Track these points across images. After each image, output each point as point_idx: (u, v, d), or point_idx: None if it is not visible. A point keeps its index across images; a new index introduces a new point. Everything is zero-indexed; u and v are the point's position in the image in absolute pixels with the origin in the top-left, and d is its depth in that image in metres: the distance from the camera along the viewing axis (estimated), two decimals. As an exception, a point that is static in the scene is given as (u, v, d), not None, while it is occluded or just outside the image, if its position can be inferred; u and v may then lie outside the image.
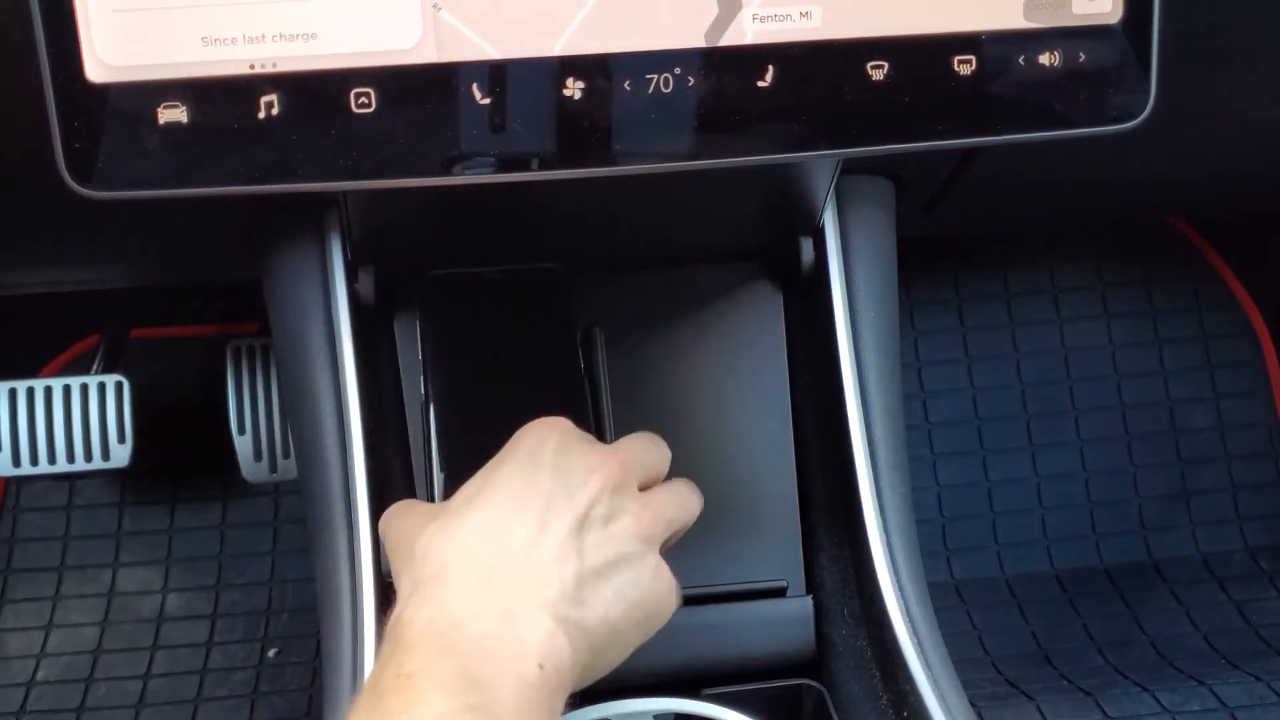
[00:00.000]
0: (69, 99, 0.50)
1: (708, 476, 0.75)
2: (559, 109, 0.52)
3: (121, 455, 1.00)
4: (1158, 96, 0.56)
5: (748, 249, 0.78)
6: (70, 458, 1.00)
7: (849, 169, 0.71)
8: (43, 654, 1.07)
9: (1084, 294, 1.20)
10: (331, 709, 0.65)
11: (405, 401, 0.75)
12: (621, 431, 0.73)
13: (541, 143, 0.53)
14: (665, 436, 0.71)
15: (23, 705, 1.04)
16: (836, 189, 0.71)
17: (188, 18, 0.50)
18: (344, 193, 0.64)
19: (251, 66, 0.51)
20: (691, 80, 0.53)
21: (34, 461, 1.00)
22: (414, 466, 0.74)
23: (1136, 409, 1.18)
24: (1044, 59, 0.55)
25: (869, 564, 0.69)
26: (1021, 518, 1.14)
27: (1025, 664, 1.03)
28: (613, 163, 0.53)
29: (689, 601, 0.72)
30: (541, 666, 0.51)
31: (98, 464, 1.00)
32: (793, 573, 0.75)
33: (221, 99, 0.50)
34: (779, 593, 0.74)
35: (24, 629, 1.08)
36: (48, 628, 1.09)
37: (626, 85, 0.52)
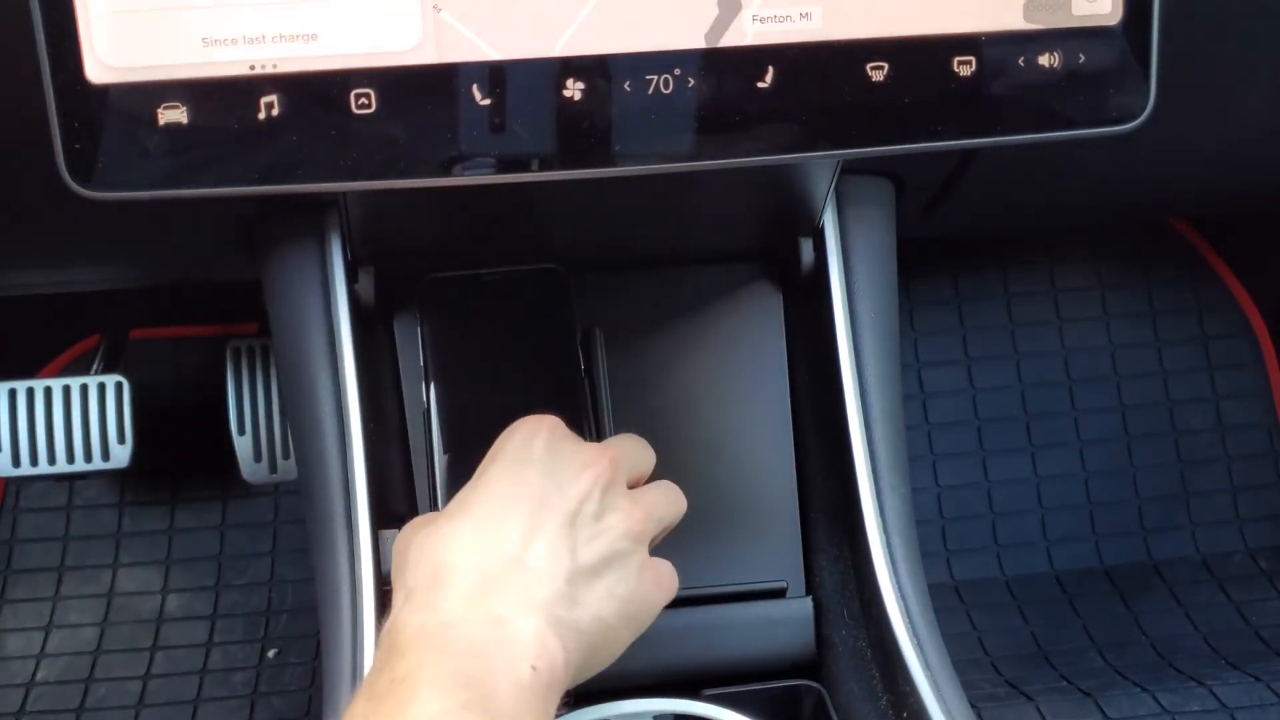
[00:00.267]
0: (69, 100, 0.50)
1: (708, 477, 0.75)
2: (559, 110, 0.52)
3: (121, 456, 1.00)
4: (1157, 97, 0.56)
5: (748, 250, 0.78)
6: (70, 458, 1.00)
7: (849, 169, 0.71)
8: (42, 654, 1.07)
9: (1084, 295, 1.20)
10: (331, 710, 0.65)
11: (405, 402, 0.75)
12: (622, 431, 0.73)
13: (541, 144, 0.53)
14: (665, 437, 0.71)
15: (22, 706, 1.04)
16: (836, 190, 0.71)
17: (188, 19, 0.50)
18: (344, 193, 0.64)
19: (252, 67, 0.51)
20: (691, 81, 0.53)
21: (34, 462, 1.00)
22: (414, 467, 0.74)
23: (1136, 410, 1.18)
24: (1044, 60, 0.55)
25: (869, 565, 0.69)
26: (1021, 518, 1.14)
27: (1025, 665, 1.03)
28: (613, 163, 0.53)
29: (689, 602, 0.72)
30: (534, 669, 0.51)
31: (97, 464, 1.00)
32: (793, 573, 0.75)
33: (222, 100, 0.50)
34: (779, 593, 0.74)
35: (24, 629, 1.08)
36: (47, 628, 1.09)
37: (626, 86, 0.52)
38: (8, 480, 1.12)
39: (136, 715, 1.03)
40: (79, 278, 0.90)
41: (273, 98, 0.51)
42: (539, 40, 0.52)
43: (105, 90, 0.50)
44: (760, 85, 0.53)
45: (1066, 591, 1.10)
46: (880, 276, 0.74)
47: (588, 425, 0.71)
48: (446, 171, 0.53)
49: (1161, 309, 1.20)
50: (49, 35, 0.49)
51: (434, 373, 0.70)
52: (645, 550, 0.59)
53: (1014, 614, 1.08)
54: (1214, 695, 0.94)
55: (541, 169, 0.53)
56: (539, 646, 0.52)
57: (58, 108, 0.50)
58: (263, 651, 1.08)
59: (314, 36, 0.51)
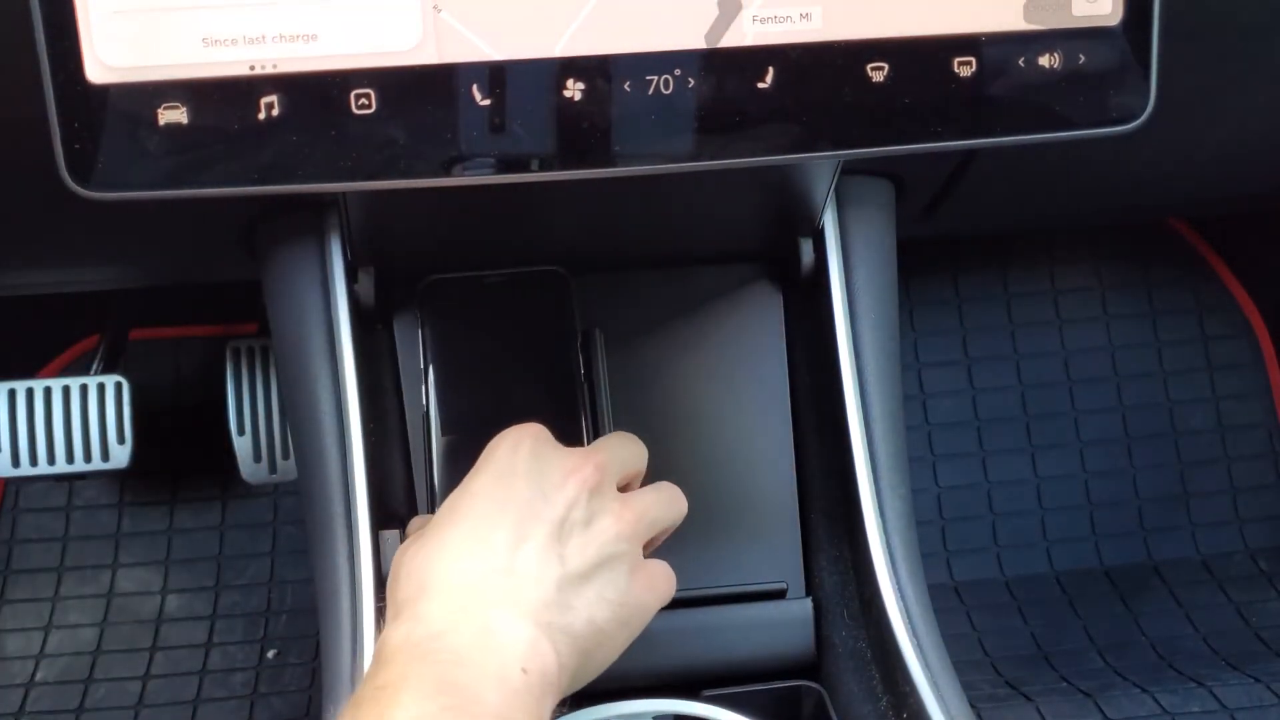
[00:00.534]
0: (69, 100, 0.50)
1: (708, 478, 0.75)
2: (559, 110, 0.52)
3: (121, 456, 1.00)
4: (1157, 98, 0.56)
5: (748, 250, 0.78)
6: (70, 458, 1.00)
7: (849, 170, 0.71)
8: (42, 655, 1.07)
9: (1084, 295, 1.20)
10: (330, 711, 0.65)
11: (405, 403, 0.75)
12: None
13: (541, 144, 0.53)
14: (665, 437, 0.71)
15: (22, 706, 1.04)
16: (836, 190, 0.71)
17: (188, 19, 0.50)
18: (344, 194, 0.64)
19: (252, 67, 0.51)
20: (692, 81, 0.53)
21: (34, 462, 1.00)
22: (414, 468, 0.74)
23: (1136, 410, 1.18)
24: (1044, 60, 0.55)
25: (869, 565, 0.69)
26: (1021, 519, 1.14)
27: (1025, 665, 1.03)
28: (613, 164, 0.53)
29: (689, 604, 0.72)
30: (525, 671, 0.51)
31: (97, 465, 1.00)
32: (792, 574, 0.75)
33: (222, 100, 0.50)
34: (779, 594, 0.74)
35: (23, 630, 1.08)
36: (47, 629, 1.08)
37: (627, 86, 0.52)
38: (7, 480, 1.12)
39: (136, 715, 1.03)
40: (79, 278, 0.90)
41: (273, 98, 0.51)
42: (539, 40, 0.52)
43: (105, 90, 0.50)
44: (760, 86, 0.53)
45: (1066, 592, 1.10)
46: (880, 277, 0.74)
47: (587, 427, 0.71)
48: (446, 172, 0.53)
49: (1161, 309, 1.20)
50: (49, 35, 0.49)
51: (434, 374, 0.70)
52: (637, 553, 0.58)
53: (1014, 615, 1.08)
54: (1214, 696, 0.94)
55: (541, 169, 0.53)
56: (530, 650, 0.52)
57: (58, 108, 0.50)
58: (262, 652, 1.08)
59: (314, 37, 0.51)
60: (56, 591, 1.10)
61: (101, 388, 1.01)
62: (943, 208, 0.82)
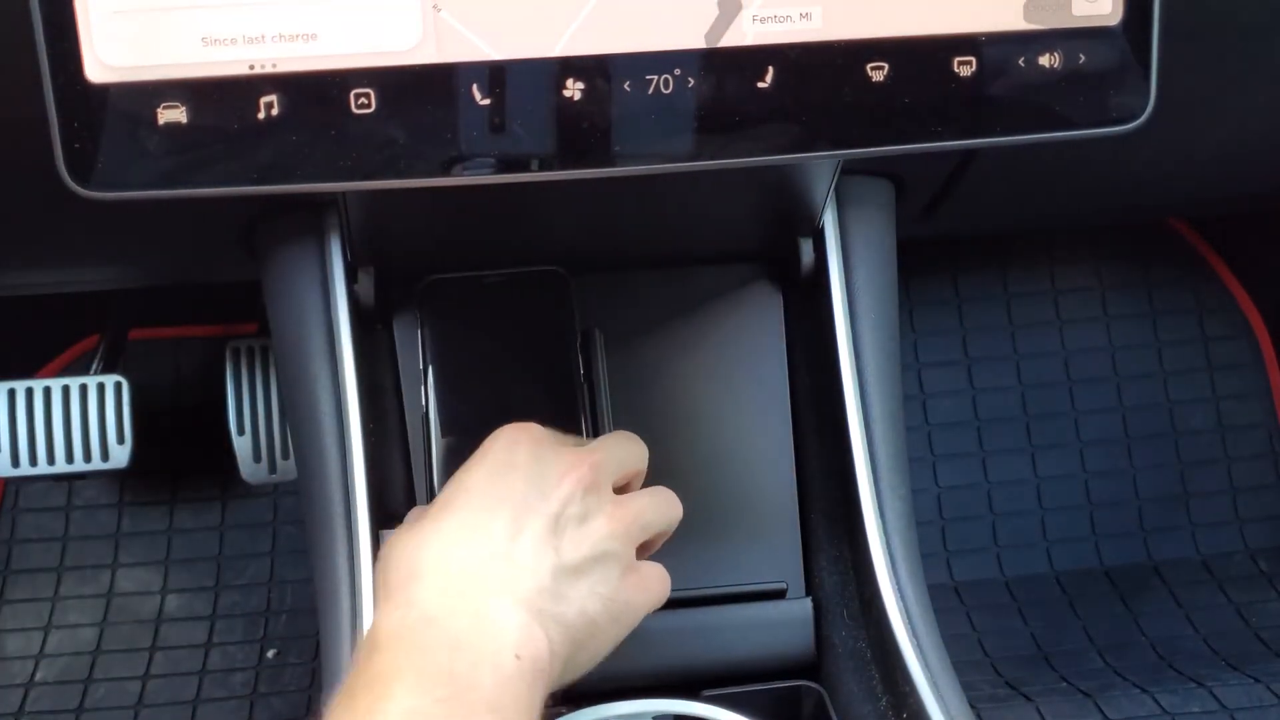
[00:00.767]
0: (69, 100, 0.50)
1: (708, 478, 0.75)
2: (559, 110, 0.52)
3: (121, 456, 1.00)
4: (1157, 97, 0.56)
5: (748, 250, 0.78)
6: (70, 458, 1.00)
7: (849, 170, 0.71)
8: (41, 655, 1.07)
9: (1084, 296, 1.20)
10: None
11: (405, 403, 0.75)
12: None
13: (541, 144, 0.53)
14: (665, 437, 0.71)
15: (21, 706, 1.04)
16: (836, 190, 0.71)
17: (188, 18, 0.50)
18: (344, 193, 0.64)
19: (251, 67, 0.51)
20: (691, 81, 0.53)
21: (33, 462, 1.00)
22: (413, 468, 0.74)
23: (1136, 411, 1.18)
24: (1044, 60, 0.55)
25: (869, 566, 0.69)
26: (1021, 519, 1.14)
27: (1025, 666, 1.03)
28: (612, 164, 0.53)
29: (689, 603, 0.72)
30: (519, 656, 0.51)
31: (97, 465, 1.00)
32: (792, 574, 0.75)
33: (221, 100, 0.50)
34: (779, 594, 0.74)
35: (23, 630, 1.08)
36: (46, 629, 1.08)
37: (626, 86, 0.52)
38: (7, 480, 1.12)
39: (135, 715, 1.03)
40: (79, 278, 0.90)
41: (272, 97, 0.51)
42: (539, 40, 0.52)
43: (105, 90, 0.50)
44: (760, 85, 0.53)
45: (1066, 592, 1.10)
46: (880, 277, 0.74)
47: (587, 427, 0.71)
48: (446, 171, 0.53)
49: (1161, 310, 1.20)
50: (49, 35, 0.49)
51: (434, 374, 0.70)
52: (631, 553, 0.59)
53: (1014, 615, 1.08)
54: (1214, 696, 0.94)
55: (541, 169, 0.53)
56: (523, 635, 0.52)
57: (57, 107, 0.50)
58: (262, 652, 1.08)
59: (314, 36, 0.51)
60: (56, 591, 1.10)
61: (101, 388, 1.01)
62: (943, 208, 0.82)
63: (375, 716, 0.48)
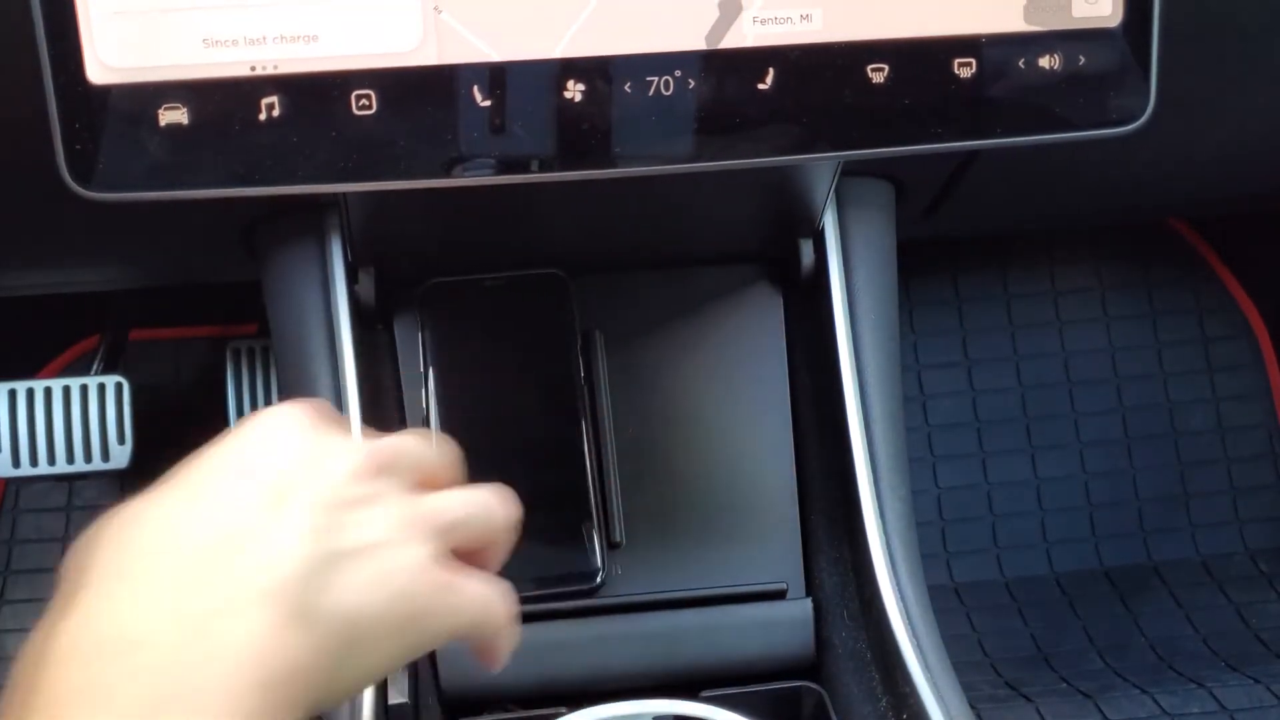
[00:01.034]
0: (70, 100, 0.50)
1: (708, 479, 0.75)
2: (559, 111, 0.52)
3: (121, 456, 1.00)
4: (1157, 99, 0.56)
5: (748, 251, 0.78)
6: (70, 459, 1.00)
7: (849, 171, 0.71)
8: (42, 655, 1.07)
9: (1084, 296, 1.20)
10: (330, 711, 0.65)
11: (405, 404, 0.75)
12: (620, 433, 0.74)
13: (542, 145, 0.53)
14: (665, 438, 0.71)
15: (22, 706, 1.04)
16: (836, 191, 0.71)
17: (189, 19, 0.50)
18: (344, 194, 0.64)
19: (252, 68, 0.51)
20: (692, 83, 0.53)
21: (34, 462, 1.00)
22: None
23: (1136, 411, 1.18)
24: (1044, 62, 0.55)
25: (869, 566, 0.69)
26: (1021, 520, 1.14)
27: (1025, 666, 1.03)
28: (613, 165, 0.53)
29: (689, 604, 0.72)
30: (263, 666, 0.39)
31: (97, 465, 1.00)
32: (792, 575, 0.75)
33: (222, 100, 0.50)
34: (779, 595, 0.74)
35: (23, 630, 1.08)
36: (47, 629, 1.08)
37: (627, 88, 0.52)
38: (7, 481, 1.12)
39: (136, 716, 1.03)
40: (79, 278, 0.90)
41: (273, 98, 0.51)
42: (539, 42, 0.52)
43: (106, 91, 0.50)
44: (761, 87, 0.53)
45: (1066, 593, 1.10)
46: (880, 278, 0.74)
47: (588, 429, 0.71)
48: (447, 173, 0.53)
49: (1162, 310, 1.20)
50: (49, 36, 0.49)
51: (434, 378, 0.70)
52: (429, 553, 0.45)
53: (1014, 616, 1.08)
54: (1214, 697, 0.94)
55: (542, 170, 0.53)
56: (272, 641, 0.39)
57: (58, 108, 0.50)
58: (262, 652, 1.07)
59: (314, 38, 0.51)
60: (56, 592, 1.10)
61: (101, 388, 1.01)
62: (943, 209, 0.82)
63: None
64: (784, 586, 0.74)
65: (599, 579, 0.71)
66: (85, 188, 0.51)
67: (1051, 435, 1.16)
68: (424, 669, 0.69)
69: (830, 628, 0.73)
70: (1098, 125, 0.56)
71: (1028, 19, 0.54)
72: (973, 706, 0.68)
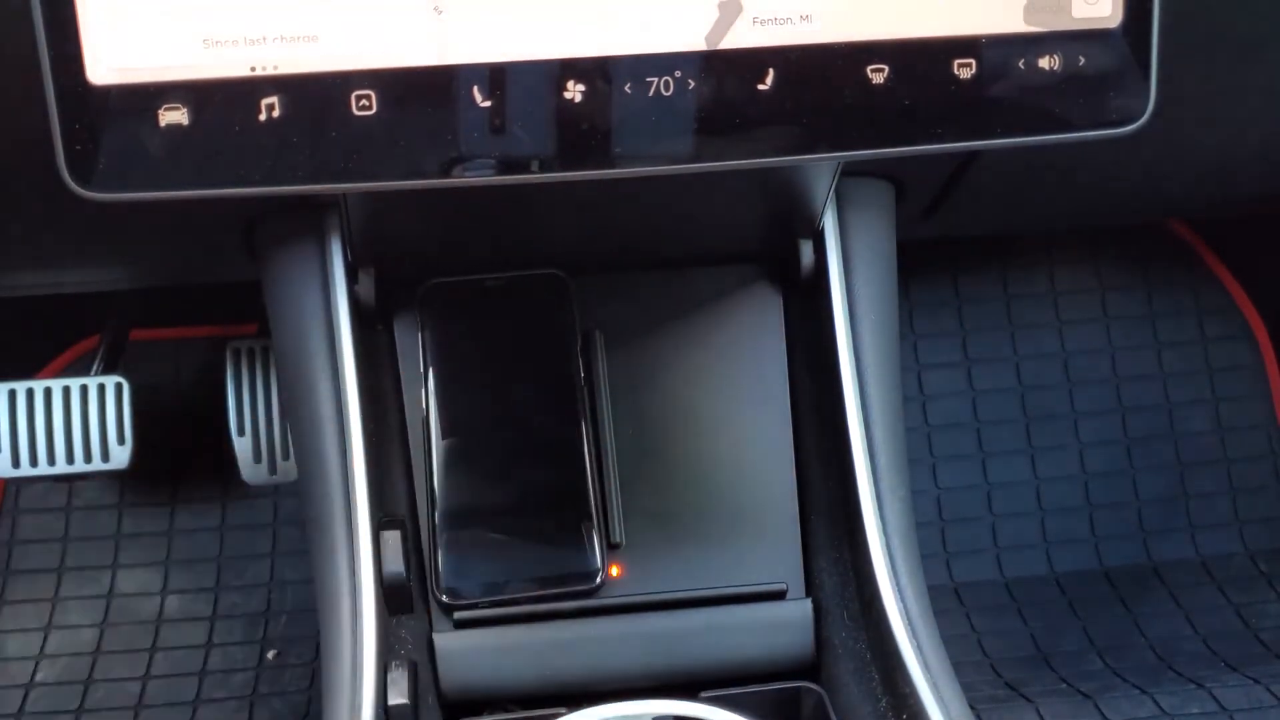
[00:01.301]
0: (70, 101, 0.50)
1: (708, 479, 0.75)
2: (559, 112, 0.52)
3: (121, 457, 1.00)
4: (1157, 100, 0.56)
5: (748, 251, 0.78)
6: (70, 459, 1.00)
7: (849, 172, 0.71)
8: (42, 655, 1.07)
9: (1083, 297, 1.20)
10: (330, 711, 0.65)
11: (405, 404, 0.75)
12: (620, 433, 0.74)
13: (542, 145, 0.53)
14: (665, 439, 0.71)
15: (21, 707, 1.04)
16: (836, 192, 0.71)
17: (189, 20, 0.50)
18: (344, 194, 0.64)
19: (252, 69, 0.51)
20: (692, 83, 0.53)
21: (33, 463, 1.00)
22: (414, 469, 0.74)
23: (1136, 412, 1.18)
24: (1044, 62, 0.55)
25: (868, 567, 0.69)
26: (1021, 520, 1.14)
27: (1024, 667, 1.03)
28: (613, 165, 0.53)
29: (689, 605, 0.72)
30: None
31: (97, 465, 1.00)
32: (792, 576, 0.75)
33: (222, 101, 0.50)
34: (779, 595, 0.74)
35: (23, 630, 1.08)
36: (47, 629, 1.08)
37: (627, 88, 0.52)
38: (7, 481, 1.12)
39: (135, 716, 1.03)
40: (79, 279, 0.90)
41: (273, 99, 0.51)
42: (539, 42, 0.52)
43: (106, 91, 0.50)
44: (760, 87, 0.53)
45: (1066, 594, 1.10)
46: (880, 278, 0.74)
47: (588, 430, 0.71)
48: (446, 173, 0.53)
49: (1161, 311, 1.20)
50: (50, 36, 0.49)
51: (435, 377, 0.70)
52: None
53: (1013, 616, 1.08)
54: (1213, 697, 0.94)
55: (541, 170, 0.53)
56: None
57: (59, 109, 0.50)
58: (262, 653, 1.08)
59: (315, 38, 0.51)
60: (56, 592, 1.10)
61: (101, 388, 1.01)
62: (943, 209, 0.82)
63: None
64: (784, 587, 0.74)
65: (599, 579, 0.71)
66: (85, 188, 0.51)
67: (1051, 436, 1.16)
68: (424, 669, 0.69)
69: (830, 628, 0.73)
70: (1097, 126, 0.56)
71: (1028, 19, 0.54)
72: (972, 707, 0.68)
